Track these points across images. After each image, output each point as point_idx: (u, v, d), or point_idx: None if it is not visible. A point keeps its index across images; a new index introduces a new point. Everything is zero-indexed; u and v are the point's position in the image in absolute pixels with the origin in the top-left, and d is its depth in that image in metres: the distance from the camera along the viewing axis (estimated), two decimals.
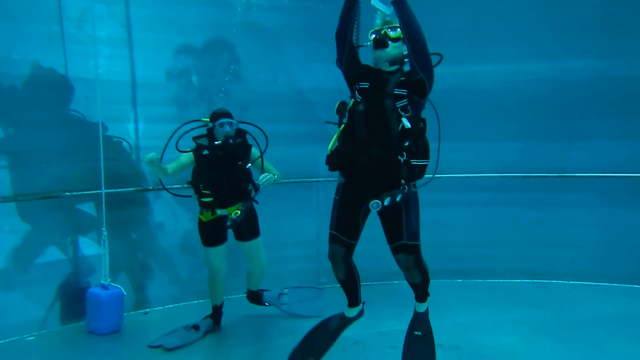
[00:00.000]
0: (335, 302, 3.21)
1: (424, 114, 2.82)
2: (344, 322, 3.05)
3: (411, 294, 2.95)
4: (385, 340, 3.63)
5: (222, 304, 4.07)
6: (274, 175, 3.76)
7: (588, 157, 5.00)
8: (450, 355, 3.46)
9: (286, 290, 4.40)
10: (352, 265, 2.93)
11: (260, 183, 3.72)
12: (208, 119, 3.79)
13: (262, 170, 3.84)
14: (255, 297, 4.27)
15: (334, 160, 2.81)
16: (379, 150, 2.68)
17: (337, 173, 2.90)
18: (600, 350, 3.57)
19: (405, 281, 2.88)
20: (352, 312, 3.03)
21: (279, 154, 4.03)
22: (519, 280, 5.13)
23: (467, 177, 5.13)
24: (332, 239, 2.86)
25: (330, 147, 2.81)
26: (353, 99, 2.77)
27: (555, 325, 4.04)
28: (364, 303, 3.06)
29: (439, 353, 2.98)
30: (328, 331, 3.05)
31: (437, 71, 2.66)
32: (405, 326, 3.00)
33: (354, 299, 3.00)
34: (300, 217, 4.93)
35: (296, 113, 4.85)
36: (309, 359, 3.03)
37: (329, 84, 3.25)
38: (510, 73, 5.02)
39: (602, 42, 4.89)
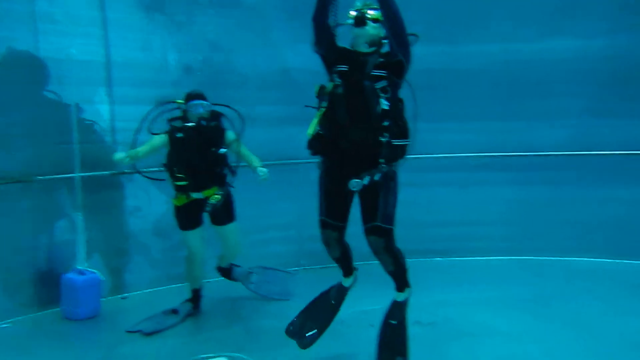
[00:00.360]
0: (316, 283, 3.23)
1: (402, 94, 2.82)
2: (342, 291, 3.12)
3: None
4: (365, 319, 3.61)
5: (201, 288, 4.05)
6: (262, 167, 3.75)
7: (567, 136, 5.09)
8: (427, 331, 3.52)
9: (256, 269, 4.37)
10: (345, 245, 2.99)
11: (262, 180, 3.71)
12: (183, 101, 3.73)
13: (238, 155, 3.82)
14: (225, 271, 4.26)
15: (315, 145, 2.81)
16: (360, 132, 2.68)
17: (318, 157, 2.90)
18: (577, 325, 3.64)
19: None
20: (348, 282, 3.11)
21: (259, 136, 4.00)
22: (497, 258, 5.23)
23: (447, 157, 5.19)
24: (323, 224, 2.89)
25: (310, 131, 2.80)
26: (332, 82, 2.76)
27: (531, 301, 4.13)
28: (356, 269, 3.12)
29: (417, 330, 3.03)
30: (330, 304, 3.11)
31: (418, 52, 2.66)
32: (383, 305, 3.03)
33: (348, 270, 3.09)
34: (281, 199, 4.90)
35: (276, 95, 4.80)
36: (313, 330, 3.06)
37: (310, 65, 3.21)
38: (491, 53, 5.05)
39: (582, 23, 4.96)
